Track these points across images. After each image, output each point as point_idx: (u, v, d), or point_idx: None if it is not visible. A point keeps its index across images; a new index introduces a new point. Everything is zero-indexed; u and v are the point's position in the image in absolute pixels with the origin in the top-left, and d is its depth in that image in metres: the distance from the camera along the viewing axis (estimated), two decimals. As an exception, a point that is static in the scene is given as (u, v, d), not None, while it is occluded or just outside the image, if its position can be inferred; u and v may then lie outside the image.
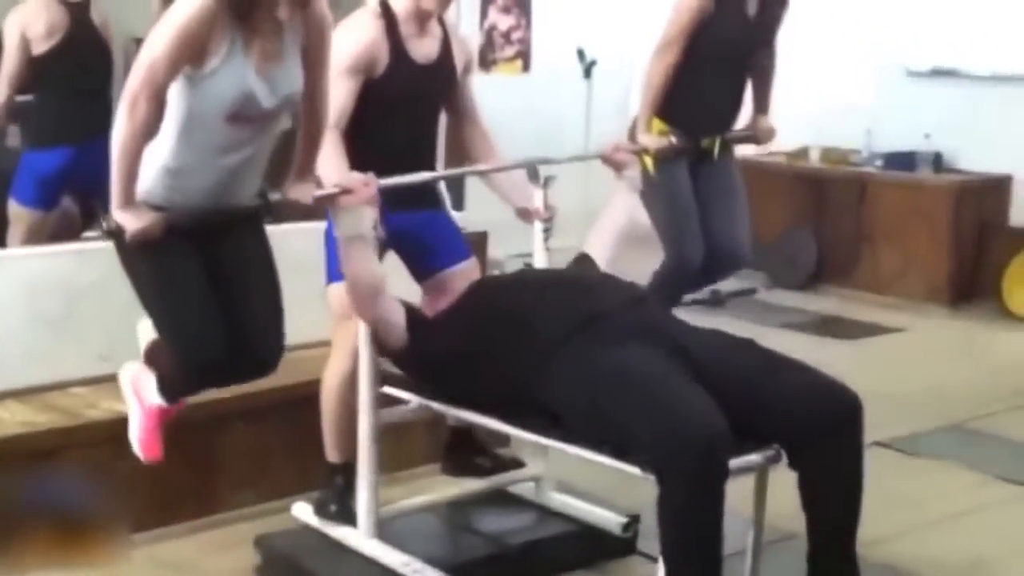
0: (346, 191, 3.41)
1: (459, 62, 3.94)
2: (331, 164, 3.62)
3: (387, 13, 3.75)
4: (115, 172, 3.11)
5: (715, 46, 4.49)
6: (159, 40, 3.08)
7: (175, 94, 3.17)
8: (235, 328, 3.30)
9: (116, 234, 3.15)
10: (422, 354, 3.52)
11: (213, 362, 3.27)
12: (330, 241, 3.68)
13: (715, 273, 5.07)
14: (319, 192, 3.46)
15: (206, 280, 3.29)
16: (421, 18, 3.78)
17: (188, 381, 3.40)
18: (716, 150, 4.68)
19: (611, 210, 3.91)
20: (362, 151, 3.69)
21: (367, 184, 3.42)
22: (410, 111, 3.81)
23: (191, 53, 3.09)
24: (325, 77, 3.41)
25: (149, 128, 3.11)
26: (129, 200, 3.13)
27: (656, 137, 4.54)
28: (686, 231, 4.66)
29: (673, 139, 4.54)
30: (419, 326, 3.53)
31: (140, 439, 3.46)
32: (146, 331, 3.51)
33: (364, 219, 3.42)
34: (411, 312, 3.56)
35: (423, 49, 3.81)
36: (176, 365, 3.35)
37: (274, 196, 3.41)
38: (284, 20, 3.13)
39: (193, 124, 3.19)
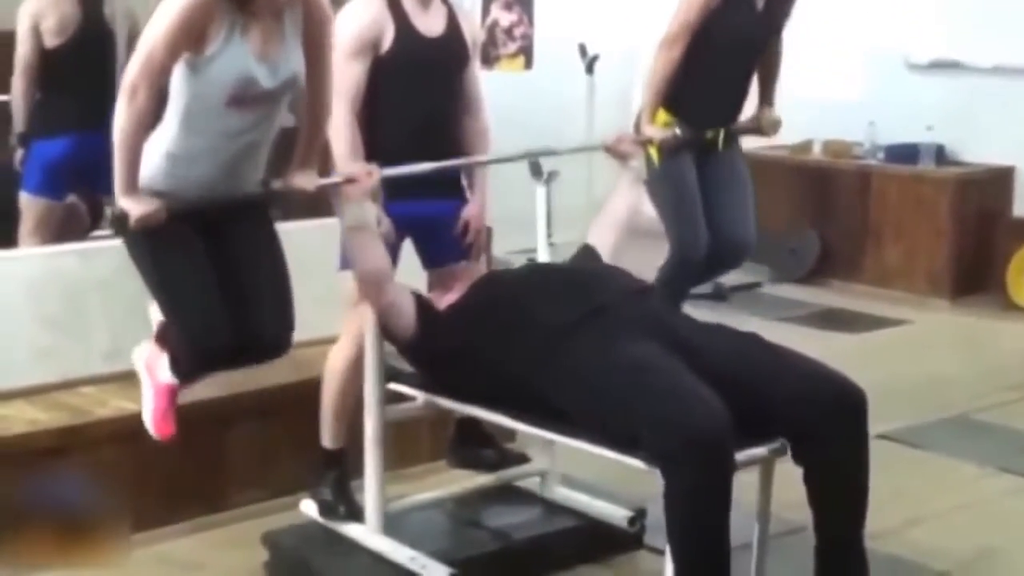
0: (349, 180, 3.43)
1: (468, 37, 3.92)
2: (341, 137, 3.64)
3: None
4: (117, 160, 3.13)
5: (722, 39, 4.45)
6: (157, 28, 3.09)
7: (176, 80, 3.19)
8: (243, 313, 3.31)
9: (120, 221, 3.16)
10: (430, 348, 3.52)
11: (219, 348, 3.29)
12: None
13: (720, 264, 5.03)
14: (322, 180, 3.48)
15: (211, 266, 3.31)
16: None
17: (198, 363, 3.40)
18: (721, 141, 4.65)
19: (615, 200, 3.90)
20: (378, 132, 3.70)
21: (370, 174, 3.44)
22: (423, 86, 3.77)
23: (189, 39, 3.10)
24: (326, 63, 3.41)
25: (149, 116, 3.13)
26: (132, 187, 3.15)
27: (661, 128, 4.51)
28: (691, 222, 4.63)
29: (678, 131, 4.50)
30: (429, 318, 3.52)
31: (153, 417, 3.46)
32: (156, 312, 3.52)
33: (368, 209, 3.44)
34: (422, 303, 3.56)
35: (429, 23, 3.80)
36: (185, 349, 3.37)
37: (276, 184, 3.43)
38: (283, 5, 3.15)
39: (195, 109, 3.21)
